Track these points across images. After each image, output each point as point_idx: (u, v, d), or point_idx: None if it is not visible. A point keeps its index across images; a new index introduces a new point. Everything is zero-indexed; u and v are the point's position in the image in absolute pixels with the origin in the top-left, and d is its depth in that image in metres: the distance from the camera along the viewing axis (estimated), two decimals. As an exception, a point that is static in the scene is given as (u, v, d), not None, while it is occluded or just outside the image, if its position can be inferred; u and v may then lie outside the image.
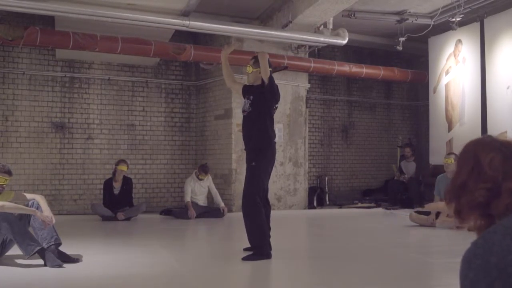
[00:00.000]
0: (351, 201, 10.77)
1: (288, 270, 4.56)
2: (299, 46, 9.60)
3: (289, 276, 4.38)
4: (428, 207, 6.87)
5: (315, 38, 9.23)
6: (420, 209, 8.36)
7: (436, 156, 9.92)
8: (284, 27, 8.84)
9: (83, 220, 8.06)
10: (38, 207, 4.46)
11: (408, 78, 11.08)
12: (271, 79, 4.79)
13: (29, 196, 4.66)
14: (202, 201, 8.37)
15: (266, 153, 4.81)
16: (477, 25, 9.30)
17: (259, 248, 4.69)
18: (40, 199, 4.56)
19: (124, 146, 9.50)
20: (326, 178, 10.93)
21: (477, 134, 9.10)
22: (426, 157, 10.81)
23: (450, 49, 10.03)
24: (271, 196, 8.47)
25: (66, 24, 8.02)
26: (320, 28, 9.28)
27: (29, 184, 8.65)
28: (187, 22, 8.06)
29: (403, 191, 10.08)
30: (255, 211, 4.71)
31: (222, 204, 8.28)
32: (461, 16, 9.00)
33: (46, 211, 4.43)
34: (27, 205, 4.49)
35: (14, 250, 4.48)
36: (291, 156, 9.59)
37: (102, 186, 8.30)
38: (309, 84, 10.10)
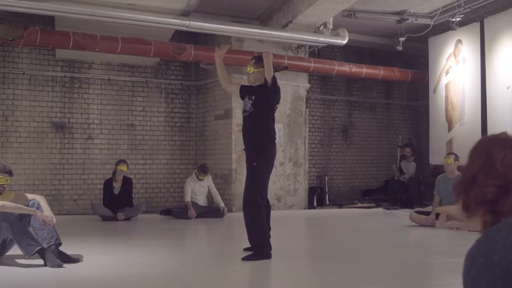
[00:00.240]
0: (351, 201, 10.77)
1: (288, 270, 4.56)
2: (299, 46, 9.60)
3: (289, 276, 4.38)
4: (438, 209, 6.79)
5: (315, 38, 9.23)
6: (420, 209, 8.36)
7: (436, 156, 9.92)
8: (284, 27, 8.84)
9: (83, 220, 8.06)
10: (38, 207, 4.46)
11: (408, 78, 11.08)
12: (274, 79, 4.79)
13: (29, 196, 4.66)
14: (202, 201, 8.37)
15: (266, 153, 4.81)
16: (477, 25, 9.30)
17: (259, 248, 4.69)
18: (40, 199, 4.56)
19: (124, 146, 9.51)
20: (326, 178, 10.93)
21: (477, 134, 9.10)
22: (426, 157, 10.81)
23: (450, 49, 10.03)
24: (271, 196, 8.47)
25: (66, 24, 8.02)
26: (320, 28, 9.28)
27: (29, 184, 8.65)
28: (187, 22, 8.06)
29: (403, 191, 10.08)
30: (256, 211, 4.71)
31: (222, 204, 8.28)
32: (461, 16, 9.01)
33: (47, 211, 4.43)
34: (27, 205, 4.49)
35: (14, 250, 4.49)
36: (291, 156, 9.59)
37: (102, 186, 8.30)
38: (309, 84, 10.11)
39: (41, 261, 4.30)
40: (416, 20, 9.64)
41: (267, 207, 4.91)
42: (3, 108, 8.65)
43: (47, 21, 8.52)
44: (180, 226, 7.42)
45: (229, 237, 6.98)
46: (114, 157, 9.10)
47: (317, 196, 10.37)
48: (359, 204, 10.41)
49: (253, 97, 4.83)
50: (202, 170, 8.26)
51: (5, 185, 4.55)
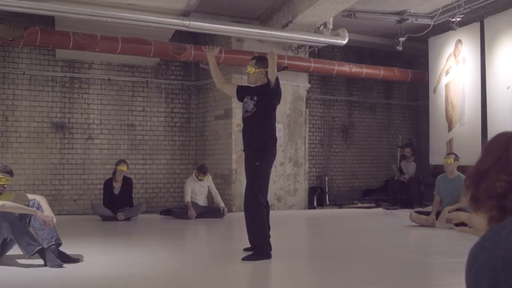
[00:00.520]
0: (351, 201, 10.77)
1: (288, 270, 4.56)
2: (299, 46, 9.60)
3: (289, 276, 4.38)
4: (451, 215, 6.67)
5: (315, 38, 9.23)
6: (420, 209, 8.37)
7: (436, 156, 9.91)
8: (284, 27, 8.84)
9: (83, 220, 8.06)
10: (39, 207, 4.46)
11: (408, 78, 11.08)
12: (277, 79, 4.79)
13: (30, 196, 4.67)
14: (202, 201, 8.37)
15: (268, 153, 4.81)
16: (477, 25, 9.30)
17: (259, 248, 4.69)
18: (41, 199, 4.56)
19: (124, 146, 9.51)
20: (326, 178, 10.93)
21: (477, 134, 9.11)
22: (426, 157, 10.81)
23: (450, 49, 10.03)
24: (271, 196, 8.48)
25: (66, 24, 8.02)
26: (320, 28, 9.28)
27: (29, 184, 8.65)
28: (187, 22, 8.06)
29: (403, 191, 10.07)
30: (258, 211, 4.71)
31: (222, 204, 8.28)
32: (461, 16, 9.00)
33: (47, 211, 4.44)
34: (28, 205, 4.49)
35: (15, 250, 4.49)
36: (291, 156, 9.59)
37: (102, 186, 8.30)
38: (309, 84, 10.11)
39: (41, 261, 4.30)
40: (416, 20, 9.64)
41: (267, 207, 4.91)
42: (3, 108, 8.65)
43: (47, 21, 8.52)
44: (180, 226, 7.42)
45: (229, 237, 6.98)
46: (114, 157, 9.10)
47: (317, 196, 10.37)
48: (359, 204, 10.41)
49: (255, 98, 4.81)
50: (201, 170, 8.26)
51: (6, 185, 4.55)
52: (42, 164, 8.86)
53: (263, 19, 9.45)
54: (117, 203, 7.92)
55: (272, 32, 8.92)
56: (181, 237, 6.87)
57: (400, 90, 12.19)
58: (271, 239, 4.79)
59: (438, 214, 6.94)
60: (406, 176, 10.18)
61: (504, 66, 8.65)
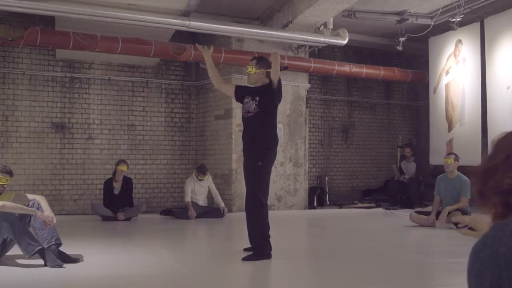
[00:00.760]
0: (351, 201, 10.77)
1: (288, 270, 4.56)
2: (299, 46, 9.61)
3: (289, 276, 4.38)
4: (457, 219, 6.67)
5: (315, 38, 9.23)
6: (420, 209, 8.36)
7: (436, 156, 9.91)
8: (284, 27, 8.84)
9: (83, 220, 8.06)
10: (39, 207, 4.46)
11: (408, 78, 11.08)
12: (279, 80, 4.79)
13: (30, 196, 4.67)
14: (202, 201, 8.37)
15: (269, 153, 4.81)
16: (477, 25, 9.30)
17: (260, 248, 4.69)
18: (41, 199, 4.56)
19: (124, 146, 9.51)
20: (326, 178, 10.94)
21: (477, 134, 9.11)
22: (426, 157, 10.81)
23: (450, 49, 10.03)
24: (271, 196, 8.47)
25: (66, 24, 8.02)
26: (320, 28, 9.28)
27: (29, 184, 8.65)
28: (187, 22, 8.06)
29: (403, 191, 10.07)
30: (260, 211, 4.71)
31: (222, 204, 8.28)
32: (461, 16, 9.00)
33: (47, 211, 4.44)
34: (28, 205, 4.50)
35: (15, 250, 4.49)
36: (291, 156, 9.59)
37: (102, 186, 8.30)
38: (309, 84, 10.11)
39: (41, 261, 4.30)
40: (416, 20, 9.64)
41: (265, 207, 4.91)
42: (3, 108, 8.65)
43: (47, 21, 8.52)
44: (180, 226, 7.42)
45: (229, 237, 6.98)
46: (114, 157, 9.10)
47: (317, 196, 10.36)
48: (359, 204, 10.41)
49: (257, 98, 4.80)
50: (201, 170, 8.26)
51: (6, 185, 4.55)
52: (42, 164, 8.86)
53: (263, 19, 9.45)
54: (117, 203, 7.93)
55: (272, 32, 8.92)
56: (181, 237, 6.87)
57: (400, 90, 12.19)
58: (271, 239, 4.79)
59: (438, 214, 6.94)
60: (406, 176, 10.18)
61: (504, 66, 8.65)
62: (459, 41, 9.78)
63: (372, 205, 10.25)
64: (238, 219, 7.19)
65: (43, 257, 4.28)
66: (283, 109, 9.34)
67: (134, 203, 8.31)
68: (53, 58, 9.03)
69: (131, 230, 7.19)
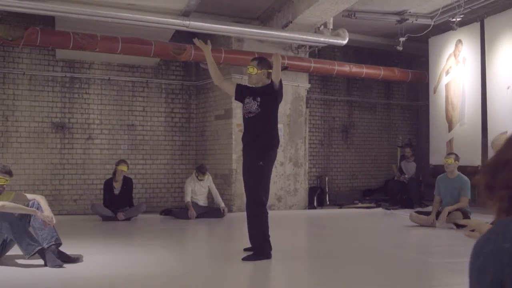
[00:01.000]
0: (351, 201, 10.77)
1: (288, 270, 4.56)
2: (299, 46, 9.60)
3: (289, 276, 4.38)
4: (463, 222, 6.50)
5: (315, 38, 9.23)
6: (420, 209, 8.36)
7: (436, 156, 9.91)
8: (284, 27, 8.84)
9: (83, 220, 8.06)
10: (38, 207, 4.46)
11: (408, 78, 11.08)
12: (281, 81, 4.80)
13: (29, 196, 4.67)
14: (202, 201, 8.37)
15: (270, 153, 4.82)
16: (477, 25, 9.30)
17: (260, 248, 4.69)
18: (40, 199, 4.56)
19: (124, 146, 9.51)
20: (326, 178, 10.93)
21: (478, 134, 9.12)
22: (426, 157, 10.81)
23: (450, 49, 10.03)
24: (271, 196, 8.46)
25: (67, 24, 8.02)
26: (320, 28, 9.28)
27: (29, 184, 8.65)
28: (187, 22, 8.06)
29: (403, 191, 10.06)
30: (261, 211, 4.72)
31: (222, 204, 8.28)
32: (461, 16, 9.00)
33: (47, 211, 4.44)
34: (27, 205, 4.50)
35: (15, 250, 4.49)
36: (291, 156, 9.59)
37: (102, 186, 8.30)
38: (309, 84, 10.11)
39: (41, 261, 4.30)
40: (416, 20, 9.64)
41: None
42: (3, 108, 8.65)
43: (48, 21, 8.52)
44: (180, 226, 7.42)
45: (229, 237, 6.98)
46: (114, 157, 9.10)
47: (317, 196, 10.36)
48: (359, 204, 10.41)
49: (259, 99, 4.80)
50: (200, 170, 8.27)
51: (5, 186, 4.55)
52: (42, 164, 8.86)
53: (263, 19, 9.45)
54: (117, 203, 7.93)
55: (272, 32, 8.92)
56: (181, 237, 6.87)
57: (400, 90, 12.19)
58: (271, 239, 4.79)
59: (438, 214, 6.94)
60: (406, 176, 10.18)
61: (504, 66, 8.65)
62: (459, 41, 9.78)
63: (372, 205, 10.25)
64: (238, 219, 7.20)
65: (43, 257, 4.28)
66: (283, 109, 9.34)
67: (134, 203, 8.31)
68: (53, 58, 9.03)
69: (131, 230, 7.19)
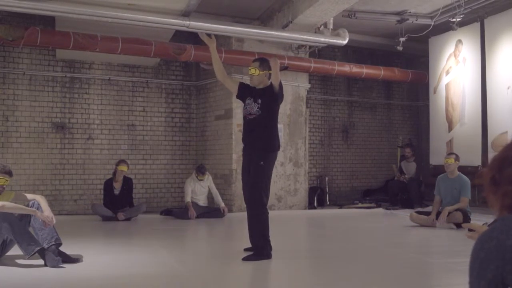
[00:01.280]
0: (352, 201, 10.77)
1: (288, 270, 4.56)
2: (300, 46, 9.61)
3: (289, 276, 4.38)
4: (466, 225, 6.54)
5: (316, 38, 9.23)
6: (420, 209, 8.36)
7: (437, 157, 9.92)
8: (284, 27, 8.84)
9: (83, 220, 8.06)
10: (38, 207, 4.46)
11: (409, 78, 11.07)
12: (280, 84, 4.81)
13: (29, 196, 4.66)
14: (202, 201, 8.37)
15: (271, 155, 4.83)
16: (477, 25, 9.30)
17: (260, 248, 4.69)
18: (40, 199, 4.56)
19: (124, 146, 9.51)
20: (327, 178, 10.93)
21: (478, 134, 9.12)
22: (426, 158, 10.81)
23: (450, 49, 10.03)
24: (271, 196, 8.46)
25: (67, 25, 8.03)
26: (321, 28, 9.28)
27: (29, 184, 8.65)
28: (188, 22, 8.06)
29: (403, 191, 10.07)
30: (262, 211, 4.73)
31: (222, 204, 8.28)
32: (462, 16, 9.00)
33: (47, 211, 4.44)
34: (27, 206, 4.50)
35: (15, 250, 4.49)
36: (292, 157, 9.59)
37: (102, 186, 8.30)
38: (310, 84, 10.11)
39: (41, 261, 4.30)
40: (416, 20, 9.64)
41: None
42: (3, 108, 8.65)
43: (48, 21, 8.52)
44: (180, 226, 7.42)
45: (230, 237, 6.98)
46: (114, 157, 9.11)
47: (318, 196, 10.36)
48: (360, 204, 10.41)
49: (259, 101, 4.80)
50: (200, 170, 8.27)
51: (5, 186, 4.55)
52: (42, 164, 8.86)
53: (264, 19, 9.45)
54: (117, 203, 7.93)
55: (272, 32, 8.92)
56: (181, 237, 6.87)
57: (400, 90, 12.19)
58: (271, 239, 4.79)
59: (438, 214, 6.94)
60: (406, 176, 10.18)
61: (504, 66, 8.65)
62: (459, 41, 9.78)
63: (372, 205, 10.24)
64: (238, 219, 7.20)
65: (43, 257, 4.29)
66: (283, 109, 9.33)
67: (134, 203, 8.31)
68: (53, 58, 9.03)
69: (131, 230, 7.19)
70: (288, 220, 8.29)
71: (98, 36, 7.89)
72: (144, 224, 7.67)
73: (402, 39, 9.82)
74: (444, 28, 9.72)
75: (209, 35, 5.10)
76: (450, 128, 9.97)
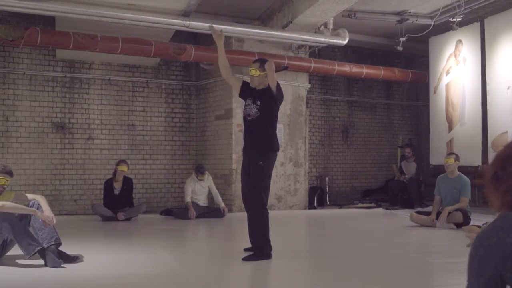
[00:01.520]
0: (352, 201, 10.77)
1: (288, 270, 4.56)
2: (300, 46, 9.61)
3: (289, 276, 4.38)
4: (466, 228, 6.39)
5: (316, 38, 9.23)
6: (420, 209, 8.36)
7: (437, 157, 9.92)
8: (284, 27, 8.84)
9: (83, 220, 8.06)
10: (39, 207, 4.46)
11: (409, 78, 11.07)
12: (278, 85, 4.80)
13: (29, 196, 4.67)
14: (202, 201, 8.37)
15: (270, 155, 4.82)
16: (477, 25, 9.30)
17: (260, 248, 4.70)
18: (40, 199, 4.56)
19: (124, 146, 9.51)
20: (327, 178, 10.93)
21: (478, 134, 9.12)
22: (426, 158, 10.81)
23: (450, 49, 10.03)
24: (271, 196, 8.46)
25: (67, 25, 8.03)
26: (321, 28, 9.28)
27: (29, 184, 8.65)
28: (188, 22, 8.06)
29: (403, 191, 10.07)
30: (262, 211, 4.73)
31: (222, 204, 8.28)
32: (462, 16, 9.00)
33: (47, 211, 4.44)
34: (27, 206, 4.50)
35: (15, 250, 4.49)
36: (292, 157, 9.59)
37: (102, 187, 8.30)
38: (310, 84, 10.10)
39: (41, 261, 4.30)
40: (416, 20, 9.64)
41: None
42: (3, 108, 8.65)
43: (48, 22, 8.52)
44: (181, 227, 7.42)
45: (230, 237, 6.98)
46: (114, 157, 9.10)
47: (318, 196, 10.36)
48: (360, 204, 10.41)
49: (258, 102, 4.80)
50: (199, 170, 8.27)
51: (5, 186, 4.55)
52: (42, 164, 8.86)
53: (264, 19, 9.45)
54: (117, 203, 7.93)
55: (272, 32, 8.92)
56: (181, 237, 6.87)
57: (400, 90, 12.19)
58: (271, 239, 4.79)
59: (438, 214, 6.94)
60: (406, 176, 10.18)
61: (504, 66, 8.65)
62: (459, 41, 9.78)
63: (372, 205, 10.24)
64: (239, 219, 7.20)
65: (43, 257, 4.29)
66: (283, 109, 9.33)
67: (134, 203, 8.31)
68: (53, 58, 9.03)
69: (131, 230, 7.19)
70: (288, 220, 8.29)
71: (98, 36, 7.89)
72: (144, 224, 7.67)
73: (402, 39, 9.82)
74: (444, 28, 9.72)
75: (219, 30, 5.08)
76: (450, 128, 9.97)
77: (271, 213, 5.11)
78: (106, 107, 9.41)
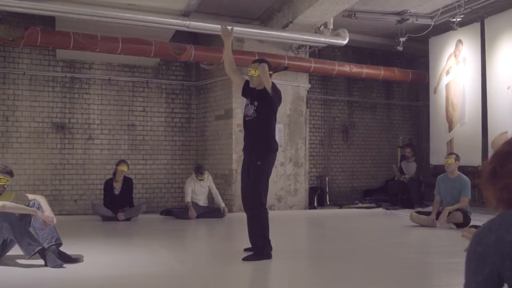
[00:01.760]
0: (352, 201, 10.77)
1: (288, 270, 4.56)
2: (300, 46, 9.61)
3: (289, 276, 4.38)
4: (465, 230, 6.37)
5: (316, 38, 9.24)
6: (420, 209, 8.36)
7: (437, 157, 9.92)
8: (284, 27, 8.84)
9: (83, 220, 8.06)
10: (39, 207, 4.46)
11: (409, 78, 11.07)
12: (274, 86, 4.80)
13: (30, 196, 4.67)
14: (202, 201, 8.37)
15: (268, 156, 4.83)
16: (477, 25, 9.30)
17: (260, 248, 4.70)
18: (41, 199, 4.56)
19: (124, 146, 9.51)
20: (327, 178, 10.93)
21: (478, 134, 9.12)
22: (426, 158, 10.81)
23: (450, 49, 10.03)
24: (271, 196, 8.47)
25: (67, 25, 8.03)
26: (321, 28, 9.28)
27: (29, 184, 8.65)
28: (188, 22, 8.06)
29: (403, 191, 10.07)
30: (261, 211, 4.73)
31: (222, 204, 8.28)
32: (462, 16, 9.00)
33: (47, 211, 4.44)
34: (28, 206, 4.50)
35: (15, 250, 4.49)
36: (292, 157, 9.59)
37: (102, 187, 8.30)
38: (310, 84, 10.11)
39: (41, 261, 4.30)
40: (416, 20, 9.64)
41: None
42: (3, 108, 8.65)
43: (48, 22, 8.52)
44: (181, 227, 7.42)
45: (230, 237, 6.99)
46: (114, 158, 9.11)
47: (318, 196, 10.36)
48: (360, 204, 10.41)
49: (256, 103, 4.81)
50: (199, 170, 8.28)
51: (6, 186, 4.55)
52: (42, 164, 8.86)
53: (264, 19, 9.45)
54: (117, 203, 7.93)
55: (273, 32, 8.92)
56: (182, 237, 6.87)
57: (400, 90, 12.19)
58: (271, 239, 4.79)
59: (438, 214, 6.94)
60: (406, 176, 10.18)
61: (504, 66, 8.65)
62: (460, 41, 9.78)
63: (372, 205, 10.25)
64: (239, 219, 7.20)
65: (43, 257, 4.28)
66: (283, 109, 9.34)
67: (134, 203, 8.32)
68: (53, 58, 9.03)
69: (131, 230, 7.20)
70: (288, 220, 8.29)
71: (98, 36, 7.89)
72: (144, 224, 7.67)
73: (402, 39, 9.81)
74: (444, 28, 9.72)
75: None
76: (450, 128, 9.97)
77: (271, 213, 5.12)
78: (106, 107, 9.41)
